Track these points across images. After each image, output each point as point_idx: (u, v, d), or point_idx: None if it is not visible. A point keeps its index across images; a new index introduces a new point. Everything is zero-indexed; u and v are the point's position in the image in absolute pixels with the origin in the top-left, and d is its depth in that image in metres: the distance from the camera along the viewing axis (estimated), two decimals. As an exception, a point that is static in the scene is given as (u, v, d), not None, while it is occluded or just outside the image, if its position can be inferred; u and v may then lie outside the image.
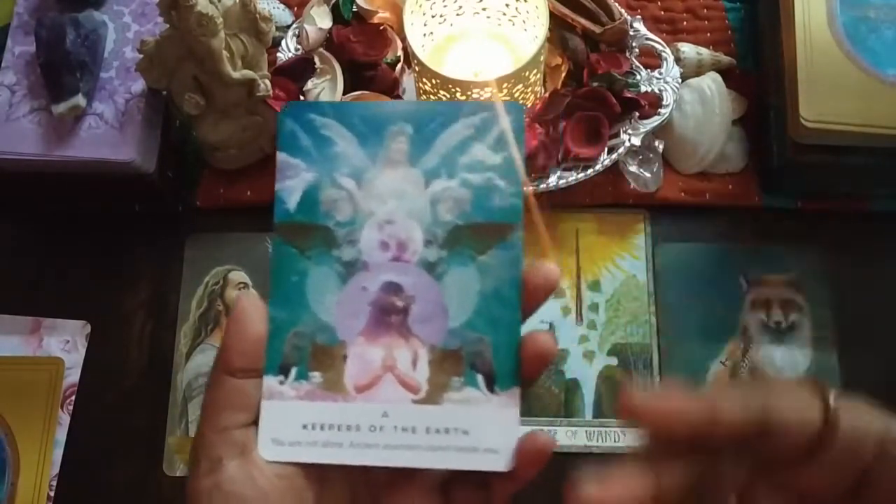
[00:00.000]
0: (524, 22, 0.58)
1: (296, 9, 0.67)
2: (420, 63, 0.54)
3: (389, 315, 0.33)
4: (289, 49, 0.62)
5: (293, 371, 0.33)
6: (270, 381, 0.32)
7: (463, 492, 0.33)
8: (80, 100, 0.56)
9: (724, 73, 0.63)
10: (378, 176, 0.34)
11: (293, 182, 0.34)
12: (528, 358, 0.32)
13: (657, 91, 0.60)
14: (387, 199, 0.34)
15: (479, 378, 0.32)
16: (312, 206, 0.34)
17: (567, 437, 0.56)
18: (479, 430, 0.32)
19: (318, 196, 0.34)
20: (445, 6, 0.58)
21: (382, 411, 0.32)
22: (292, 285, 0.33)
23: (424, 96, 0.57)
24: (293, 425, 0.32)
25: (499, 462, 0.32)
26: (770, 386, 0.31)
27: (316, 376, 0.33)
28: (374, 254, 0.33)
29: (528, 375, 0.32)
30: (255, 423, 0.32)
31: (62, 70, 0.56)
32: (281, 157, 0.34)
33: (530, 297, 0.32)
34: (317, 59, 0.61)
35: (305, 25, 0.61)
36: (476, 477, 0.32)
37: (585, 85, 0.59)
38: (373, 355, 0.33)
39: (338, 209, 0.34)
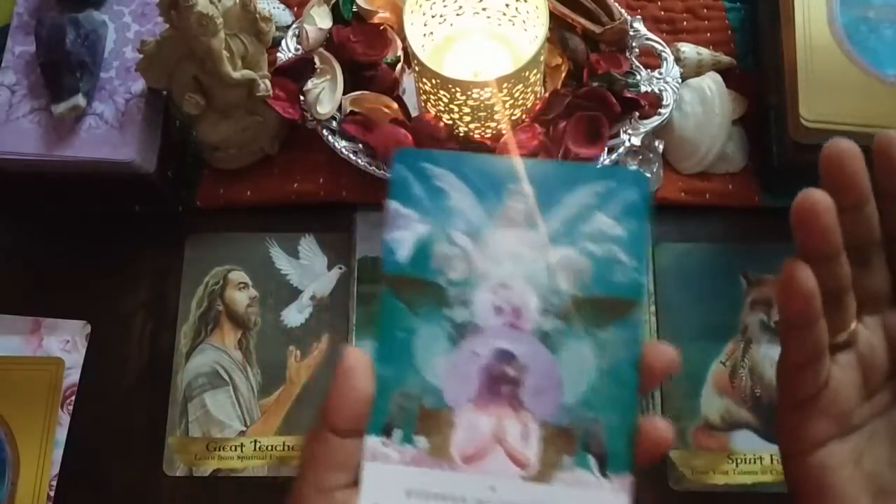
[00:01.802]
0: (524, 22, 0.58)
1: (296, 9, 0.67)
2: (420, 63, 0.54)
3: (501, 384, 0.31)
4: (289, 49, 0.62)
5: (398, 433, 0.31)
6: (373, 442, 0.31)
7: None
8: (80, 100, 0.56)
9: (724, 73, 0.63)
10: (494, 235, 0.32)
11: (404, 233, 0.32)
12: (644, 444, 0.31)
13: (657, 91, 0.60)
14: (503, 261, 0.32)
15: (592, 460, 0.31)
16: (424, 261, 0.32)
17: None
18: None
19: (431, 251, 0.32)
20: (445, 6, 0.58)
21: (490, 485, 0.31)
22: (399, 342, 0.32)
23: (424, 96, 0.57)
24: (396, 491, 0.31)
25: None
26: None
27: (422, 441, 0.31)
28: (488, 318, 0.32)
29: (641, 463, 0.31)
30: (355, 484, 0.31)
31: (62, 70, 0.56)
32: (392, 205, 0.32)
33: (647, 378, 0.31)
34: (317, 59, 0.61)
35: (305, 25, 0.61)
36: None
37: (585, 85, 0.59)
38: (482, 425, 0.31)
39: (451, 267, 0.32)
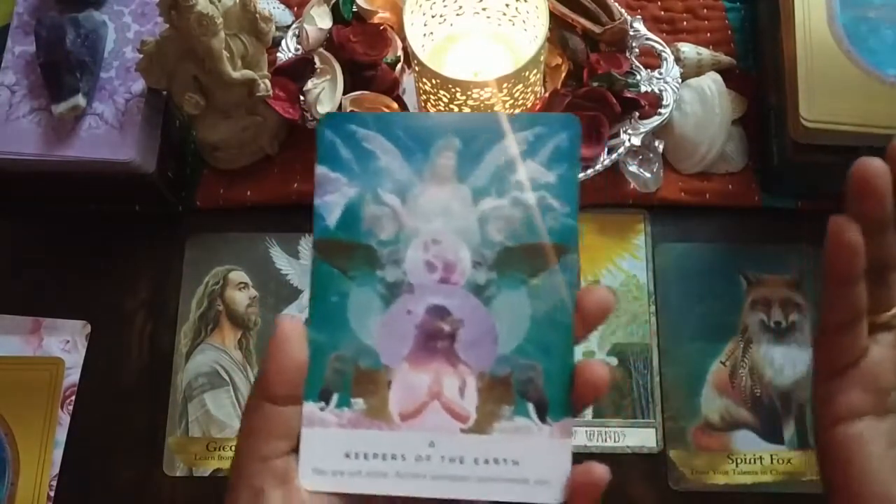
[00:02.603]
0: (524, 22, 0.58)
1: (296, 9, 0.67)
2: (420, 63, 0.54)
3: (436, 340, 0.31)
4: (289, 49, 0.62)
5: (335, 397, 0.31)
6: (311, 408, 0.31)
7: None
8: (80, 100, 0.56)
9: (724, 73, 0.63)
10: (424, 192, 0.32)
11: (333, 197, 0.32)
12: (581, 387, 0.31)
13: (657, 91, 0.60)
14: (433, 217, 0.32)
15: (531, 407, 0.31)
16: (354, 223, 0.32)
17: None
18: (529, 460, 0.31)
19: (360, 213, 0.32)
20: (445, 6, 0.58)
21: (429, 440, 0.31)
22: (333, 306, 0.32)
23: (424, 96, 0.57)
24: (335, 454, 0.31)
25: (550, 494, 0.30)
26: None
27: (359, 403, 0.31)
28: (420, 275, 0.32)
29: (580, 405, 0.31)
30: (296, 450, 0.31)
31: (62, 70, 0.56)
32: (320, 170, 0.32)
33: (583, 323, 0.31)
34: (317, 59, 0.61)
35: (305, 25, 0.61)
36: None
37: (585, 85, 0.59)
38: (419, 382, 0.31)
39: (381, 227, 0.32)
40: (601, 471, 0.30)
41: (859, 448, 0.33)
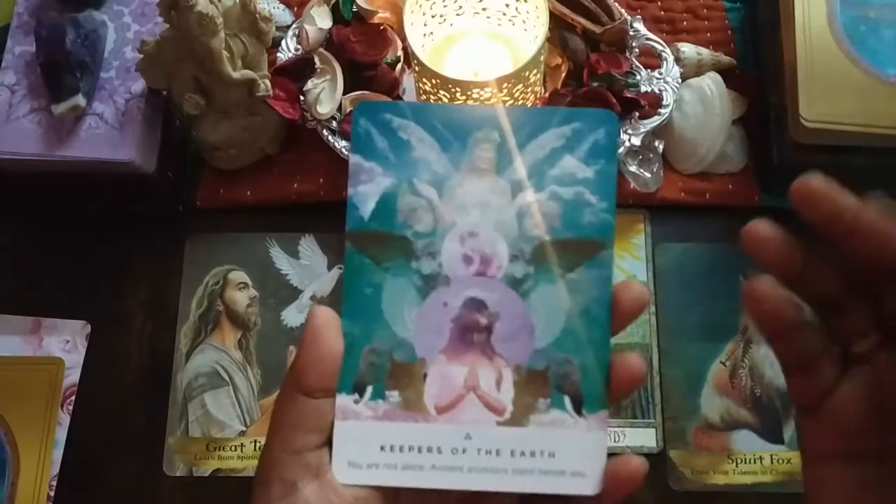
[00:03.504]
0: (524, 22, 0.58)
1: (296, 9, 0.67)
2: (420, 63, 0.54)
3: (472, 333, 0.31)
4: (289, 49, 0.62)
5: (369, 390, 0.31)
6: (344, 401, 0.31)
7: None
8: (80, 100, 0.56)
9: (724, 73, 0.63)
10: (461, 184, 0.32)
11: (368, 187, 0.32)
12: (618, 379, 0.31)
13: (657, 91, 0.60)
14: (470, 209, 0.32)
15: (567, 400, 0.31)
16: (389, 214, 0.32)
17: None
18: (565, 452, 0.31)
19: (396, 203, 0.32)
20: (445, 6, 0.58)
21: (465, 433, 0.31)
22: (367, 298, 0.31)
23: (424, 96, 0.57)
24: (370, 447, 0.31)
25: (586, 486, 0.31)
26: None
27: (394, 395, 0.31)
28: (457, 268, 0.32)
29: (617, 398, 0.31)
30: (328, 443, 0.31)
31: (62, 70, 0.56)
32: (354, 159, 0.32)
33: (619, 317, 0.31)
34: (317, 59, 0.61)
35: (305, 25, 0.61)
36: (555, 500, 0.31)
37: (585, 85, 0.59)
38: (455, 374, 0.31)
39: (417, 218, 0.32)
40: (638, 463, 0.30)
41: (823, 492, 0.31)
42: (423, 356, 0.32)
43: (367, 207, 0.32)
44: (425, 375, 0.31)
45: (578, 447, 0.31)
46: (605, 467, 0.31)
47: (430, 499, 0.32)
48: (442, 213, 0.32)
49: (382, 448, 0.31)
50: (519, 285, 0.32)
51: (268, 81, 0.58)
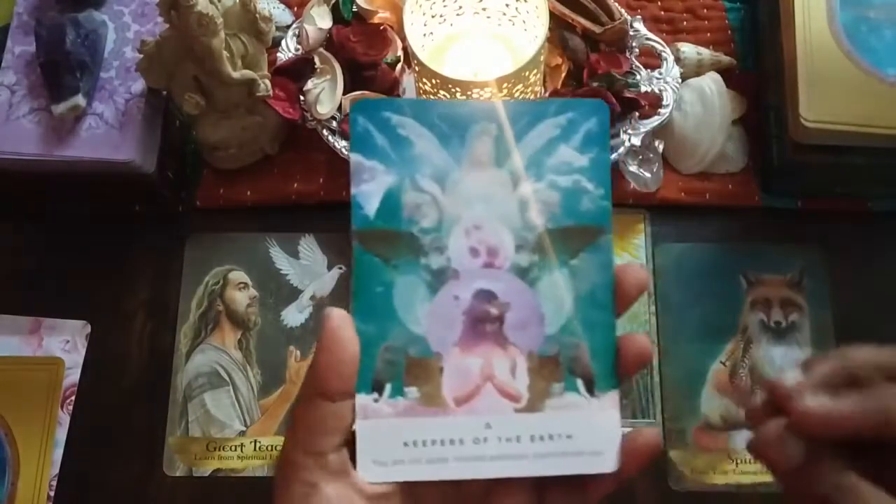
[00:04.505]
0: (524, 22, 0.58)
1: (296, 9, 0.67)
2: (420, 63, 0.54)
3: (485, 324, 0.32)
4: (289, 49, 0.62)
5: (388, 388, 0.32)
6: (365, 400, 0.31)
7: (558, 495, 0.32)
8: (80, 100, 0.56)
9: (724, 73, 0.63)
10: (463, 178, 0.32)
11: (371, 186, 0.32)
12: (625, 358, 0.32)
13: (657, 91, 0.60)
14: (474, 202, 0.32)
15: (580, 382, 0.32)
16: (394, 211, 0.32)
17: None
18: (582, 433, 0.32)
19: (400, 200, 0.32)
20: (445, 6, 0.58)
21: (485, 423, 0.32)
22: (378, 297, 0.32)
23: (424, 96, 0.57)
24: (393, 444, 0.31)
25: (605, 463, 0.31)
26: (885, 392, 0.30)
27: (412, 391, 0.32)
28: (464, 261, 0.32)
29: (625, 376, 0.32)
30: (348, 444, 0.31)
31: (62, 70, 0.56)
32: (355, 158, 0.32)
33: (622, 299, 0.32)
34: (317, 59, 0.61)
35: (305, 25, 0.61)
36: (571, 479, 0.32)
37: (585, 85, 0.59)
38: (470, 366, 0.32)
39: (422, 214, 0.32)
40: (650, 433, 0.31)
41: None
42: (438, 350, 0.32)
43: (371, 206, 0.32)
44: (442, 369, 0.32)
45: (594, 427, 0.32)
46: (620, 444, 0.31)
47: (450, 491, 0.32)
48: (446, 208, 0.32)
49: (405, 444, 0.31)
50: (525, 274, 0.32)
51: (268, 81, 0.58)
